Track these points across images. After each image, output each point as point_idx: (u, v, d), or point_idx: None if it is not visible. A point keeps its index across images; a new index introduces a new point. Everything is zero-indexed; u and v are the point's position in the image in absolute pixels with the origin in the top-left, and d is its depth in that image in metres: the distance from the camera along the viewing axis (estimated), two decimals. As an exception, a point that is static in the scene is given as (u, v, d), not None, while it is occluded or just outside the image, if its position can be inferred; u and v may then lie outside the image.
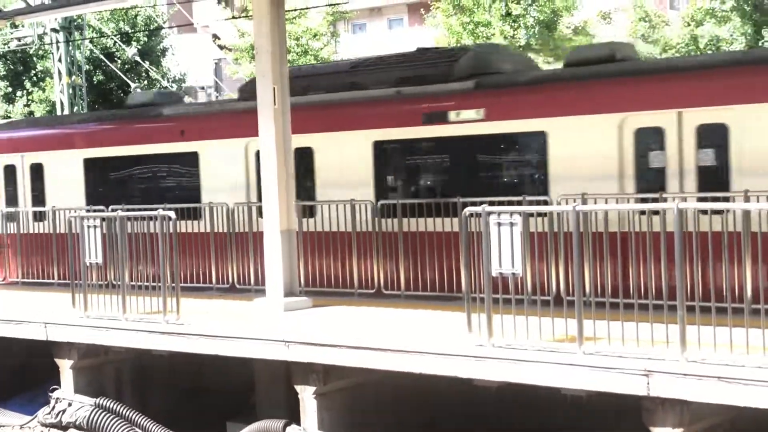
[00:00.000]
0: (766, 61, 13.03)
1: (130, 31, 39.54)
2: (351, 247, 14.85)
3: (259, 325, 12.90)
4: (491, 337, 10.37)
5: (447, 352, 10.65)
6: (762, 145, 12.09)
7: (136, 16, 40.69)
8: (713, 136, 12.59)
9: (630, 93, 13.24)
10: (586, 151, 13.35)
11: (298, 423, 12.29)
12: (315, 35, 42.31)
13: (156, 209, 13.43)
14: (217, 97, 50.91)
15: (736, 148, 12.36)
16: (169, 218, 13.03)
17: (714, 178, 12.59)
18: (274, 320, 13.23)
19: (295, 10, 38.29)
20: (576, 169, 13.40)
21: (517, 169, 14.42)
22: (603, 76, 13.65)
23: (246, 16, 36.01)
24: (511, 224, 10.18)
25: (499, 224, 10.25)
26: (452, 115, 13.89)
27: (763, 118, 12.05)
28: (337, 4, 43.69)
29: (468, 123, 14.30)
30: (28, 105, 38.82)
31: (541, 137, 13.76)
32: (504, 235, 10.20)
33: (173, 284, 13.19)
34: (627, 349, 9.58)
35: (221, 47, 47.83)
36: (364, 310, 13.85)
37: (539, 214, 11.65)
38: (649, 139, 13.02)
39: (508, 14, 34.12)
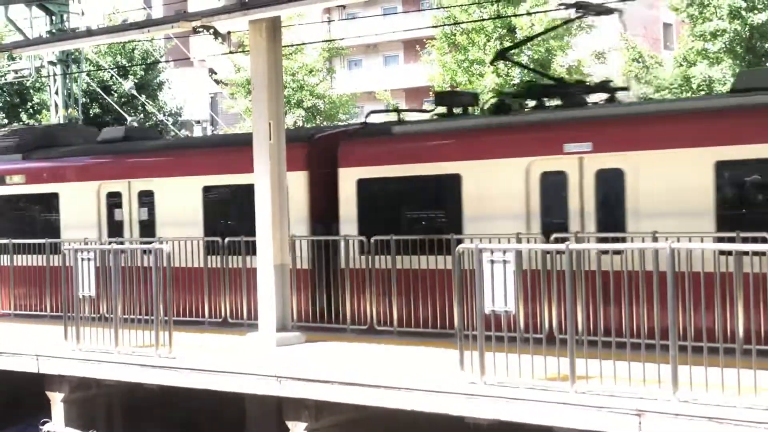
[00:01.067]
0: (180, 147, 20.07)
1: (127, 65, 39.75)
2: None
3: (251, 360, 12.88)
4: (483, 375, 10.38)
5: (439, 390, 10.65)
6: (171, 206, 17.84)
7: (133, 50, 40.95)
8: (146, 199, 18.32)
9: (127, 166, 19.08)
10: (81, 209, 19.03)
11: (290, 459, 12.24)
12: (311, 71, 42.53)
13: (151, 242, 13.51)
14: (213, 131, 51.05)
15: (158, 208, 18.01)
16: (161, 251, 13.06)
17: (148, 226, 18.06)
18: (266, 355, 13.21)
19: (292, 45, 38.50)
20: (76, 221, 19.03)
21: (43, 217, 20.05)
22: (88, 153, 20.01)
23: (242, 51, 36.23)
24: (504, 262, 10.22)
25: (492, 262, 10.29)
26: (8, 179, 20.19)
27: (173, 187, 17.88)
28: (334, 40, 44.00)
29: (18, 185, 20.38)
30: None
31: (55, 197, 19.55)
32: (497, 273, 10.24)
33: (166, 318, 13.18)
34: (619, 388, 9.59)
35: (217, 81, 48.04)
36: (357, 346, 13.84)
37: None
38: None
39: (503, 52, 34.32)
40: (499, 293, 10.25)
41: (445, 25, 35.22)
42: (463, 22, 34.23)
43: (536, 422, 10.01)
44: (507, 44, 34.07)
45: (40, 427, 14.59)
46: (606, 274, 10.24)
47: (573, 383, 9.77)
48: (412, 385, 10.91)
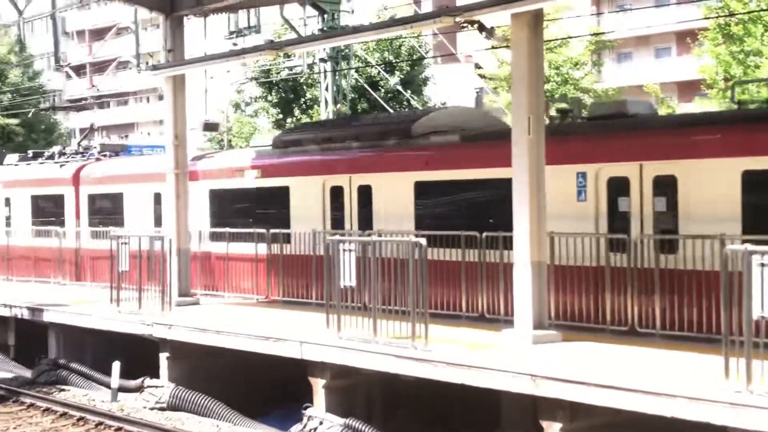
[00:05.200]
0: None
1: (394, 61, 40.62)
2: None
3: (507, 357, 12.78)
4: (750, 384, 9.78)
5: (701, 397, 10.13)
6: None
7: (400, 46, 41.79)
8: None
9: None
10: None
11: (543, 459, 12.05)
12: (576, 64, 41.84)
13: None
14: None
15: None
16: (420, 245, 13.18)
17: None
18: (522, 353, 13.07)
19: (557, 39, 38.00)
20: None
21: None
22: None
23: (506, 46, 36.15)
24: (776, 265, 9.58)
25: (763, 265, 9.67)
26: None
27: None
28: (601, 34, 43.07)
29: None
30: (297, 131, 40.70)
31: None
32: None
33: (422, 310, 13.30)
34: None
35: (482, 76, 48.24)
36: (616, 347, 13.43)
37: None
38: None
39: (783, 42, 32.38)
40: (770, 298, 9.62)
41: (719, 16, 33.60)
42: (738, 13, 32.52)
43: (809, 438, 9.32)
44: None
45: (303, 411, 15.10)
46: None
47: None
48: (672, 391, 10.44)
